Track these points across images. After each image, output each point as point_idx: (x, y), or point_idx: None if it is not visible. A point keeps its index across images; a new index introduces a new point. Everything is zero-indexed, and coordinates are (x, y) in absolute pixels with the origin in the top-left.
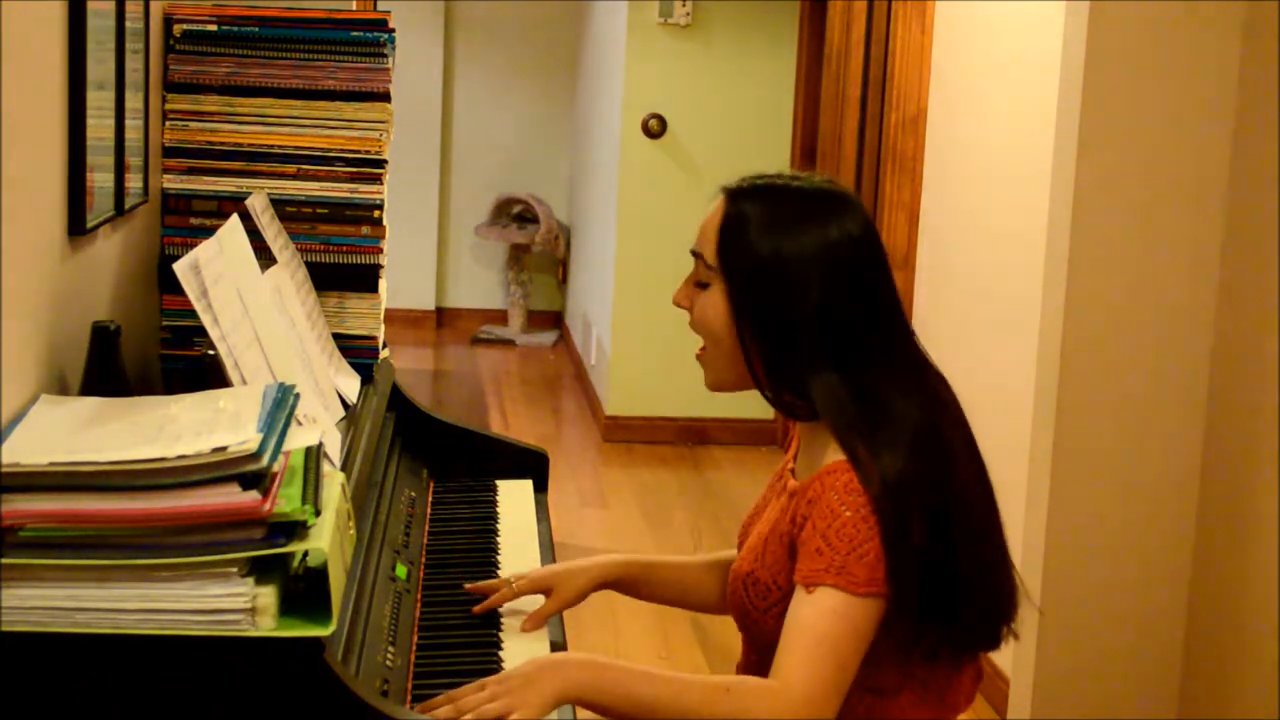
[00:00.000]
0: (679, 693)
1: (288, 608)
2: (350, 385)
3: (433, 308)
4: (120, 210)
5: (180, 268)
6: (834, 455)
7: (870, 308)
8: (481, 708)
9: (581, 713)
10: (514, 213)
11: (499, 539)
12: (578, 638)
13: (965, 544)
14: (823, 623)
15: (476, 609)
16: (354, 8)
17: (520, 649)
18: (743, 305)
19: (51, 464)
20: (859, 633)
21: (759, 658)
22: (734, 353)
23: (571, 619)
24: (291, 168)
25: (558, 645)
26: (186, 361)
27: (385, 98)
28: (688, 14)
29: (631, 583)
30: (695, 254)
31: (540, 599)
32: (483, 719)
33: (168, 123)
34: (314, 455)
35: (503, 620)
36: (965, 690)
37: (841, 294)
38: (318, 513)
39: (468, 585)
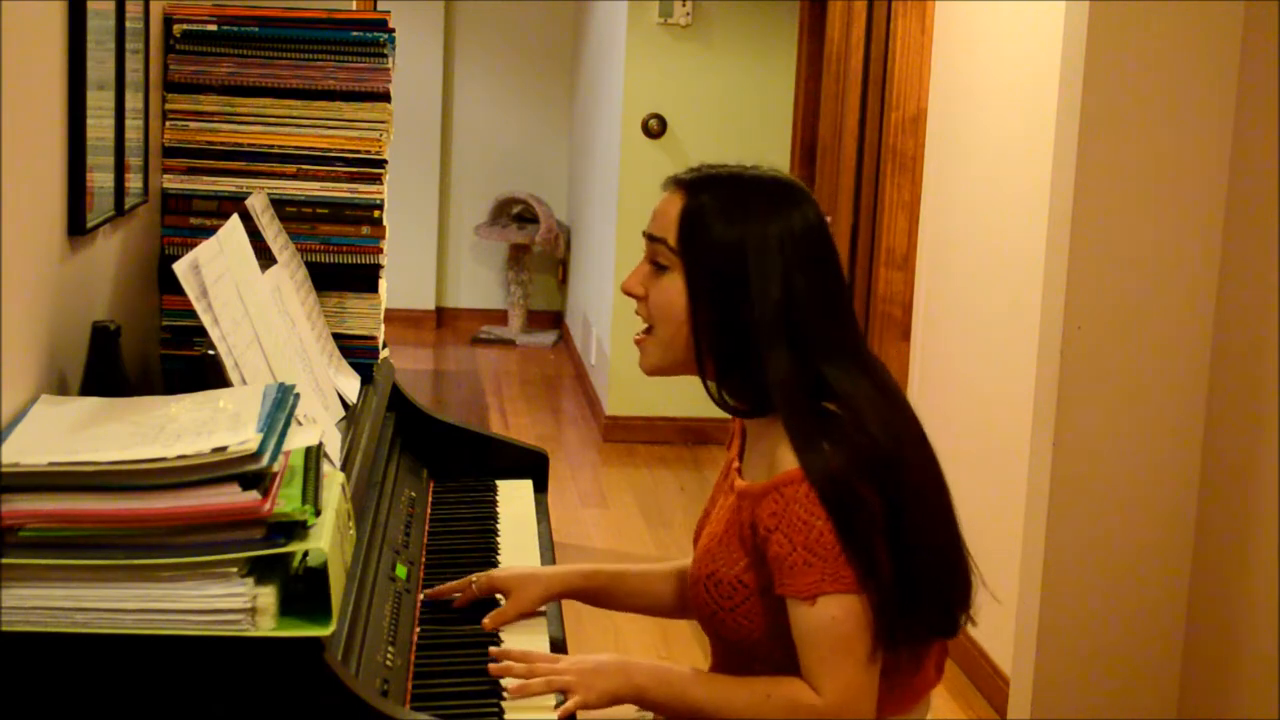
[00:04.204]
0: (728, 696)
1: (288, 608)
2: (350, 385)
3: (433, 308)
4: (120, 210)
5: (180, 268)
6: (786, 457)
7: (827, 297)
8: (551, 677)
9: (589, 714)
10: (514, 213)
11: (499, 539)
12: (577, 636)
13: (917, 535)
14: (835, 628)
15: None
16: (354, 8)
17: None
18: (703, 290)
19: (51, 464)
20: (868, 627)
21: (728, 656)
22: (688, 338)
23: (571, 618)
24: (291, 168)
25: (557, 642)
26: (186, 361)
27: (385, 98)
28: (688, 14)
29: (595, 594)
30: (653, 238)
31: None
32: (551, 688)
33: (168, 123)
34: (314, 455)
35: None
36: (929, 677)
37: (801, 282)
38: (318, 513)
39: (427, 593)
